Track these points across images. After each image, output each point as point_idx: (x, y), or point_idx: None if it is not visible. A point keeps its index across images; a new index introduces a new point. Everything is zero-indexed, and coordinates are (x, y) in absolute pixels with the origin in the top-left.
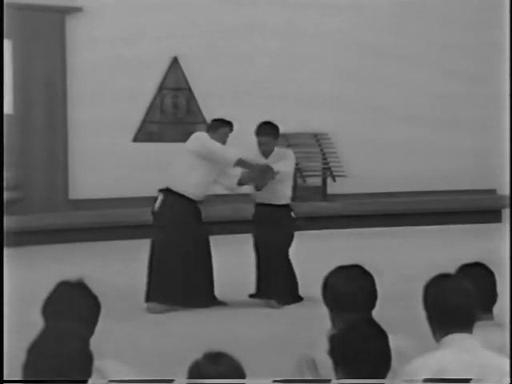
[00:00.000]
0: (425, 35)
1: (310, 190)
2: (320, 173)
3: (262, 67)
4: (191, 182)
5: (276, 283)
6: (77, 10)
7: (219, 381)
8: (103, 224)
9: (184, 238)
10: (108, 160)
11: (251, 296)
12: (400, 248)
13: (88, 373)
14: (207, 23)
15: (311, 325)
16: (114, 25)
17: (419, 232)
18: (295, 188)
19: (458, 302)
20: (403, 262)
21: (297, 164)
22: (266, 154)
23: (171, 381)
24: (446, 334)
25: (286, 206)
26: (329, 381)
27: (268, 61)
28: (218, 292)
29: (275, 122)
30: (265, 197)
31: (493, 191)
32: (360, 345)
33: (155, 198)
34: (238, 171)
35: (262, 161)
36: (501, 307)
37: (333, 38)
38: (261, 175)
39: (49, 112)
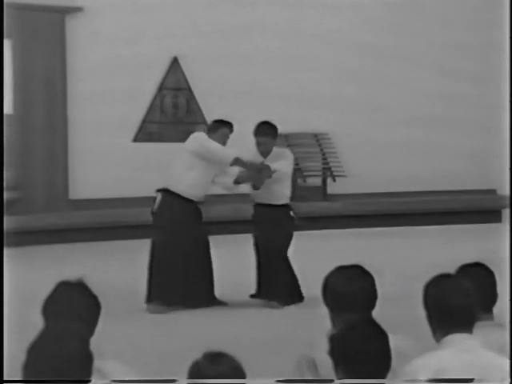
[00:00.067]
0: (425, 35)
1: (310, 190)
2: (320, 173)
3: (262, 67)
4: (189, 181)
5: (276, 283)
6: (77, 9)
7: (219, 381)
8: (103, 224)
9: (183, 238)
10: (108, 160)
11: (252, 296)
12: (400, 248)
13: (88, 373)
14: (207, 23)
15: (311, 325)
16: (114, 25)
17: (419, 232)
18: (295, 188)
19: (458, 302)
20: (403, 262)
21: (297, 164)
22: (264, 154)
23: (172, 381)
24: (446, 334)
25: (285, 205)
26: (329, 381)
27: (268, 61)
28: (217, 292)
29: (275, 122)
30: (264, 197)
31: (493, 191)
32: (360, 345)
33: (155, 198)
34: (237, 171)
35: (260, 161)
36: (501, 307)
37: (333, 38)
38: (257, 174)
39: (49, 112)
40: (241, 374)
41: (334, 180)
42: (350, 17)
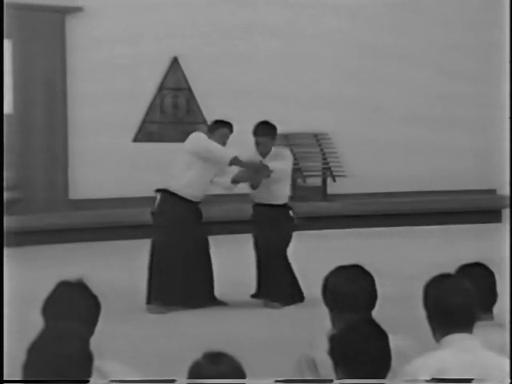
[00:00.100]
0: (425, 35)
1: (310, 190)
2: (320, 173)
3: (262, 67)
4: (187, 181)
5: (276, 283)
6: (77, 9)
7: (219, 381)
8: (103, 224)
9: (182, 238)
10: (108, 160)
11: (253, 296)
12: (400, 248)
13: (88, 373)
14: (207, 23)
15: (311, 325)
16: (114, 25)
17: (419, 232)
18: (295, 188)
19: (458, 301)
20: (403, 262)
21: (297, 164)
22: (263, 153)
23: (171, 381)
24: (446, 333)
25: (285, 205)
26: (329, 381)
27: (268, 61)
28: (217, 292)
29: (275, 122)
30: (263, 197)
31: (493, 191)
32: (360, 345)
33: (155, 199)
34: (235, 171)
35: (259, 160)
36: (501, 307)
37: (333, 38)
38: (255, 173)
39: (49, 112)
40: (241, 374)
41: (334, 180)
42: (350, 17)
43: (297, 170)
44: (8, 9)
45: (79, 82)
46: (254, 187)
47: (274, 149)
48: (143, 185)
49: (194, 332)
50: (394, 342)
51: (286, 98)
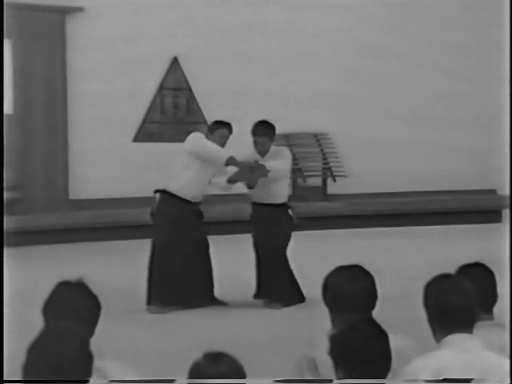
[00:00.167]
0: (425, 35)
1: (310, 190)
2: (320, 173)
3: (261, 67)
4: (185, 181)
5: (276, 283)
6: (77, 9)
7: (220, 381)
8: (103, 224)
9: (181, 238)
10: (108, 160)
11: (255, 297)
12: (400, 248)
13: (88, 373)
14: (207, 23)
15: (311, 325)
16: (114, 25)
17: (419, 232)
18: (295, 188)
19: (458, 302)
20: (403, 262)
21: (297, 164)
22: (262, 153)
23: (171, 381)
24: (447, 334)
25: (283, 204)
26: (329, 381)
27: (268, 61)
28: (217, 292)
29: (275, 122)
30: (261, 196)
31: (493, 191)
32: (360, 345)
33: (155, 199)
34: (233, 171)
35: (257, 160)
36: (501, 307)
37: (333, 38)
38: (251, 173)
39: (49, 112)
40: (241, 375)
41: (334, 180)
42: (350, 17)
43: (297, 170)
44: (8, 9)
45: (79, 82)
46: (250, 187)
47: (272, 148)
48: (143, 185)
49: (194, 332)
50: (394, 342)
51: (286, 98)
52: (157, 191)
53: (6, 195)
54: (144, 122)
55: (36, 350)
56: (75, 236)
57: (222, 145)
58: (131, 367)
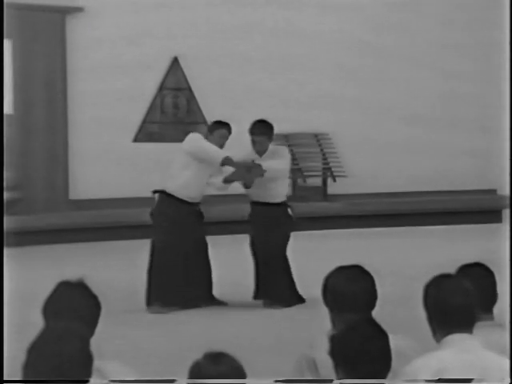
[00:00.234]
0: (425, 35)
1: (310, 190)
2: (320, 173)
3: (262, 67)
4: (183, 181)
5: (276, 284)
6: (77, 9)
7: (220, 381)
8: (103, 224)
9: (180, 239)
10: (108, 160)
11: (254, 298)
12: (400, 248)
13: (88, 373)
14: (207, 23)
15: (311, 325)
16: (114, 25)
17: (419, 232)
18: (295, 188)
19: (458, 302)
20: (403, 262)
21: (297, 164)
22: (260, 152)
23: (171, 381)
24: (447, 334)
25: (283, 204)
26: (329, 381)
27: (268, 61)
28: (217, 292)
29: (275, 122)
30: (260, 195)
31: (493, 191)
32: (360, 345)
33: (155, 199)
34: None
35: (255, 159)
36: (501, 307)
37: (333, 38)
38: (247, 172)
39: (49, 112)
40: (241, 375)
41: (334, 180)
42: (350, 17)
43: (297, 170)
44: (8, 9)
45: (79, 82)
46: (247, 186)
47: (271, 147)
48: (143, 185)
49: (194, 332)
50: (394, 342)
51: (285, 98)
52: (155, 192)
53: (6, 195)
54: (144, 122)
55: (36, 350)
56: (75, 236)
57: (221, 145)
58: (131, 367)
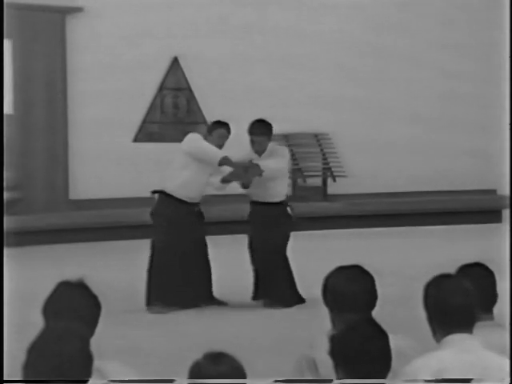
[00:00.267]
0: (425, 35)
1: (310, 190)
2: (320, 173)
3: (261, 67)
4: (181, 181)
5: (274, 284)
6: (77, 9)
7: (220, 381)
8: (103, 224)
9: (179, 239)
10: (108, 160)
11: (253, 298)
12: (400, 248)
13: (88, 373)
14: (207, 23)
15: (311, 325)
16: (114, 25)
17: (419, 232)
18: (295, 188)
19: (458, 302)
20: (403, 262)
21: (297, 164)
22: (259, 152)
23: (171, 381)
24: (447, 334)
25: (282, 203)
26: (329, 381)
27: (268, 61)
28: (217, 292)
29: (275, 122)
30: (259, 194)
31: (493, 191)
32: (360, 345)
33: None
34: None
35: (256, 159)
36: (501, 307)
37: (333, 38)
38: (245, 172)
39: (49, 112)
40: (242, 375)
41: (334, 180)
42: (350, 17)
43: (297, 170)
44: (8, 9)
45: (79, 82)
46: (245, 186)
47: (270, 147)
48: (143, 185)
49: (194, 332)
50: (394, 342)
51: (286, 98)
52: (154, 192)
53: (6, 195)
54: (144, 122)
55: (36, 350)
56: (75, 236)
57: (221, 145)
58: (131, 367)
